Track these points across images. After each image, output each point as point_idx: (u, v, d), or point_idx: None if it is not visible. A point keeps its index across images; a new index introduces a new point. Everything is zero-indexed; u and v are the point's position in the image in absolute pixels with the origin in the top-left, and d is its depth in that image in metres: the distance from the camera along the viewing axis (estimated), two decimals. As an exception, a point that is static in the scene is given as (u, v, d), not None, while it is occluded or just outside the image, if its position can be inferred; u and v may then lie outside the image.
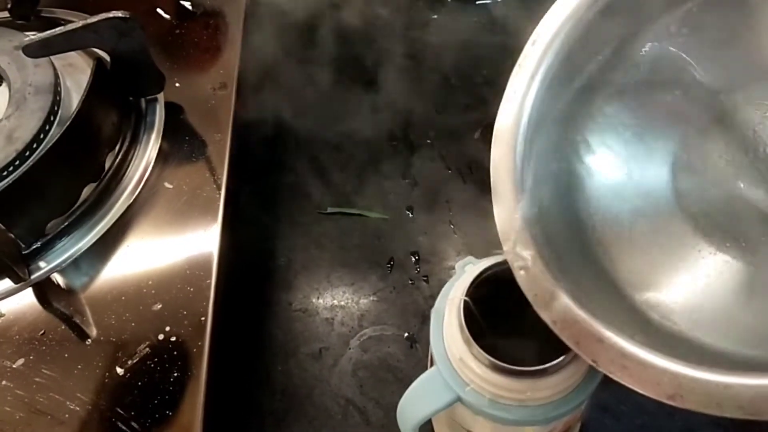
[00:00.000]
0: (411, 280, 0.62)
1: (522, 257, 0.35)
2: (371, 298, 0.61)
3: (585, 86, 0.41)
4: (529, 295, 0.35)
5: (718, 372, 0.28)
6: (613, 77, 0.42)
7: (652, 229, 0.40)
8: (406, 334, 0.59)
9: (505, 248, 0.37)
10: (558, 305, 0.34)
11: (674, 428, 0.53)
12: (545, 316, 0.34)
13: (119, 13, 0.52)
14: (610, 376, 0.32)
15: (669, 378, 0.29)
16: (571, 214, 0.41)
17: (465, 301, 0.38)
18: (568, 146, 0.42)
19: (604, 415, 0.54)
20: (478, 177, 0.67)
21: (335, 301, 0.61)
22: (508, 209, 0.37)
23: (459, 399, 0.39)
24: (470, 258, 0.43)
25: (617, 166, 0.42)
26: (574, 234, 0.40)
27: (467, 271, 0.41)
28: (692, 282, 0.38)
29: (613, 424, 0.54)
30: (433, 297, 0.60)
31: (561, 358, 0.36)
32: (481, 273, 0.39)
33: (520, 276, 0.36)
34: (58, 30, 0.52)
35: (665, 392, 0.29)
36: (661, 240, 0.39)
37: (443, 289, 0.42)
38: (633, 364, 0.31)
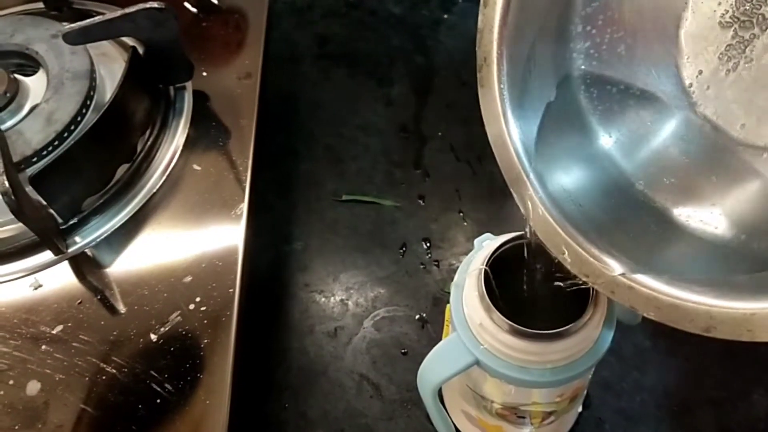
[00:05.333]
0: (422, 265, 0.65)
1: (537, 214, 0.37)
2: (384, 281, 0.64)
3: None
4: (558, 255, 0.37)
5: (743, 300, 0.29)
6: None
7: (678, 143, 0.40)
8: (417, 315, 0.62)
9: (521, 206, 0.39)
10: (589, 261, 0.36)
11: (672, 404, 0.56)
12: (576, 272, 0.36)
13: (155, 4, 0.55)
14: (648, 317, 0.33)
15: (700, 313, 0.31)
16: (588, 161, 0.42)
17: (485, 271, 0.41)
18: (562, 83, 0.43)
19: (605, 392, 0.57)
20: (488, 168, 0.70)
21: (350, 283, 0.64)
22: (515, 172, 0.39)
23: (477, 362, 0.42)
24: (488, 234, 0.46)
25: (621, 82, 0.42)
26: (596, 183, 0.41)
27: (485, 246, 0.44)
28: (726, 182, 0.38)
29: (614, 401, 0.56)
30: (444, 280, 0.63)
31: (575, 323, 0.39)
32: (501, 245, 0.42)
33: (544, 239, 0.38)
34: (97, 18, 0.55)
35: (700, 326, 0.31)
36: (690, 151, 0.40)
37: (462, 263, 0.45)
38: (665, 305, 0.32)
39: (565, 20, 0.43)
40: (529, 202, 0.38)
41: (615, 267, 0.35)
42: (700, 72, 0.39)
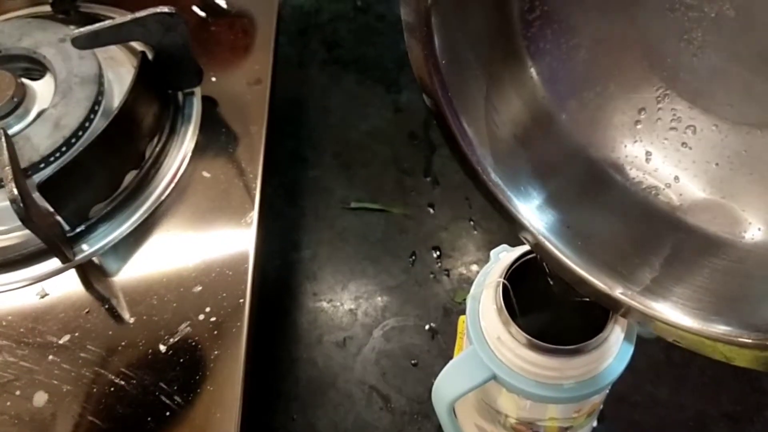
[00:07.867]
0: (432, 274, 0.64)
1: (551, 257, 0.37)
2: (394, 290, 0.64)
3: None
4: (579, 290, 0.37)
5: (755, 334, 0.30)
6: None
7: (678, 140, 0.39)
8: (427, 326, 0.61)
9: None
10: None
11: (687, 418, 0.55)
12: (599, 303, 0.37)
13: (165, 9, 0.54)
14: (676, 344, 0.34)
15: (719, 345, 0.31)
16: (590, 189, 0.41)
17: (503, 284, 0.40)
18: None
19: (619, 405, 0.56)
20: (499, 176, 0.70)
21: (359, 292, 0.64)
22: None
23: (494, 377, 0.41)
24: (505, 245, 0.45)
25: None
26: (607, 209, 0.40)
27: (502, 258, 0.43)
28: (735, 171, 0.37)
29: (628, 414, 0.56)
30: (454, 290, 0.63)
31: (595, 338, 0.38)
32: (519, 258, 0.41)
33: (562, 276, 0.38)
34: (108, 23, 0.55)
35: (722, 355, 0.32)
36: (692, 146, 0.39)
37: (479, 276, 0.44)
38: (687, 335, 0.33)
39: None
40: (541, 249, 0.38)
41: (633, 295, 0.35)
42: (668, 60, 0.38)
